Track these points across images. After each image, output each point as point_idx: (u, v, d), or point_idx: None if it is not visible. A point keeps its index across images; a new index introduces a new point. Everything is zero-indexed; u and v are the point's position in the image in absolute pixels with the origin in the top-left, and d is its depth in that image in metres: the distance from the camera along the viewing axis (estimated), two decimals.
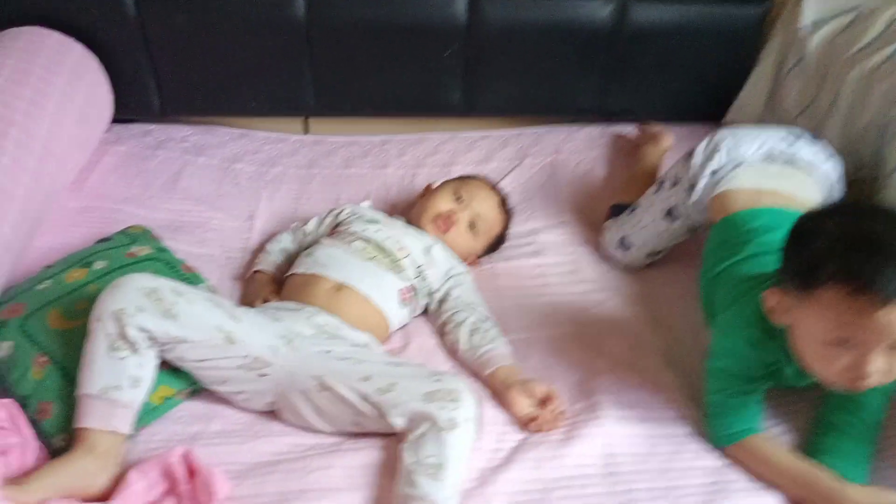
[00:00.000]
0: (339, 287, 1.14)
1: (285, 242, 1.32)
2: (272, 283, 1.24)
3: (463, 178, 1.40)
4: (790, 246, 0.90)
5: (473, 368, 1.13)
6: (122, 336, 0.92)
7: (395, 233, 1.26)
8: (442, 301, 1.22)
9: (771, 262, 1.00)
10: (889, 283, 0.77)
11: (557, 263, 1.37)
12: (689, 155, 1.24)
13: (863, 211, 0.89)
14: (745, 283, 1.03)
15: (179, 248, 1.27)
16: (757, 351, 0.97)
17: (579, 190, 1.56)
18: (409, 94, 1.64)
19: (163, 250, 1.20)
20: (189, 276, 1.16)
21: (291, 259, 1.30)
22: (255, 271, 1.27)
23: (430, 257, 1.24)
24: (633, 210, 1.35)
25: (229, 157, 1.59)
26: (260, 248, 1.34)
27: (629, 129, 1.70)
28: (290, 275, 1.20)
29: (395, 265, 1.20)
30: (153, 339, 0.94)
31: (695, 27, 1.57)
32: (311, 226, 1.34)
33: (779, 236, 1.06)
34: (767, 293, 0.92)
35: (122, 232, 1.22)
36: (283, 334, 1.03)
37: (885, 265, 0.78)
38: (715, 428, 1.01)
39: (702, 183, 1.19)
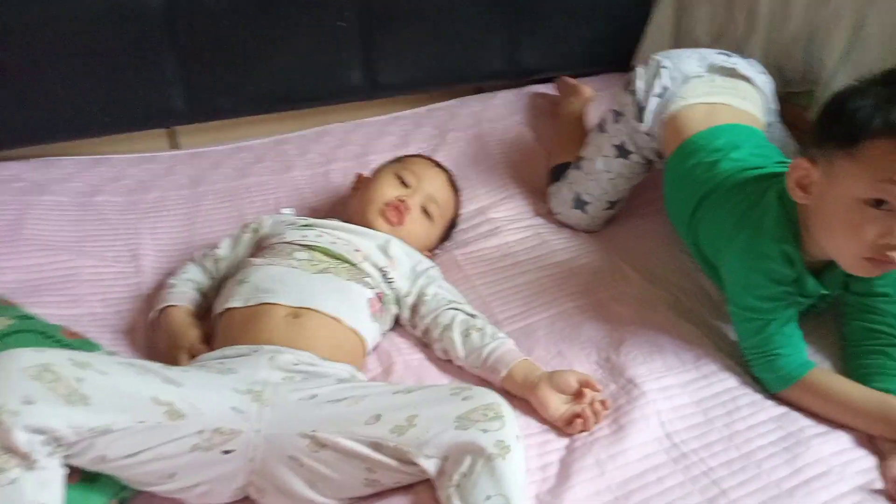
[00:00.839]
0: (297, 312, 0.87)
1: (193, 273, 1.02)
2: (194, 324, 0.93)
3: (400, 159, 1.17)
4: (828, 112, 0.82)
5: (482, 376, 0.91)
6: (6, 447, 0.60)
7: (341, 234, 1.01)
8: (416, 305, 0.99)
9: (752, 175, 0.95)
10: None
11: (520, 240, 1.19)
12: (628, 83, 1.15)
13: None
14: (738, 203, 0.93)
15: (46, 313, 0.93)
16: (779, 266, 0.86)
17: (513, 159, 1.39)
18: (300, 82, 1.38)
19: (27, 318, 0.85)
20: (76, 343, 0.83)
21: (208, 294, 1.00)
22: (167, 307, 0.95)
23: (389, 256, 1.01)
24: (578, 164, 1.21)
25: (85, 191, 1.24)
26: (159, 290, 1.02)
27: (544, 88, 1.57)
28: (225, 311, 0.90)
29: (354, 271, 0.96)
30: (56, 442, 0.63)
31: None
32: (223, 249, 1.05)
33: (745, 152, 1.00)
34: (794, 163, 0.84)
35: None
36: (245, 388, 0.74)
37: None
38: (765, 373, 0.89)
39: (651, 105, 1.10)
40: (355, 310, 0.91)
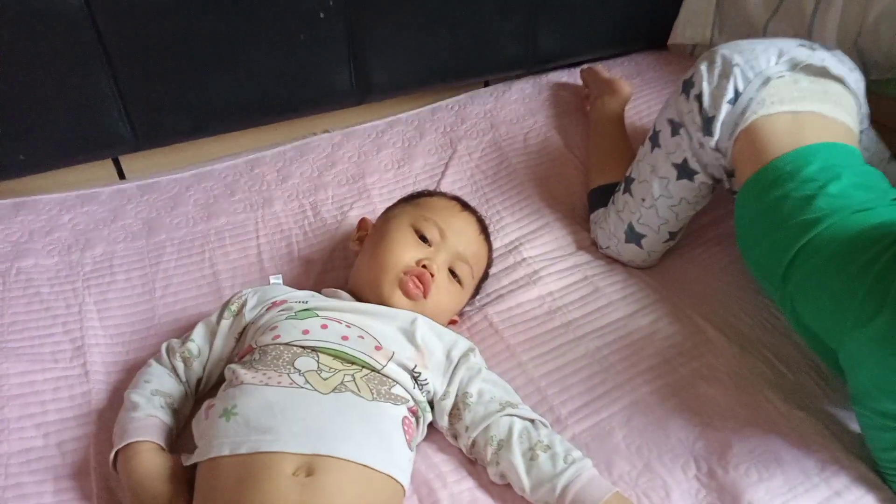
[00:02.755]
0: (311, 465, 0.63)
1: (159, 381, 0.76)
2: (167, 474, 0.68)
3: (416, 201, 0.92)
4: None
5: None
6: None
7: (352, 318, 0.77)
8: (455, 410, 0.76)
9: (867, 223, 0.73)
10: None
11: (566, 289, 0.96)
12: (688, 85, 0.90)
13: None
14: (862, 268, 0.70)
15: None
16: None
17: (542, 173, 1.14)
18: (273, 89, 1.09)
19: None
20: None
21: (180, 410, 0.76)
22: (129, 444, 0.69)
23: (416, 346, 0.77)
24: (628, 188, 0.98)
25: (5, 252, 0.96)
26: (112, 409, 0.77)
27: (564, 76, 1.31)
28: (208, 461, 0.65)
29: (378, 381, 0.72)
30: None
31: None
32: (196, 342, 0.79)
33: (846, 183, 0.77)
34: None
35: None
36: None
37: None
38: None
39: (722, 114, 0.86)
40: (388, 444, 0.68)
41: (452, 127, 1.21)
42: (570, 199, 1.10)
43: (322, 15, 1.03)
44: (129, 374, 0.80)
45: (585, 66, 1.28)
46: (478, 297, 0.94)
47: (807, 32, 1.18)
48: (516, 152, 1.17)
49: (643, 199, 0.96)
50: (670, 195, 0.94)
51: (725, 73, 0.87)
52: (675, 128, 0.92)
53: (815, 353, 0.83)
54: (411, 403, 0.73)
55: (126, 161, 1.12)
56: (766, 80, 0.86)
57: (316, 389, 0.68)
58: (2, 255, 0.95)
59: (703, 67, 0.89)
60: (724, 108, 0.86)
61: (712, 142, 0.87)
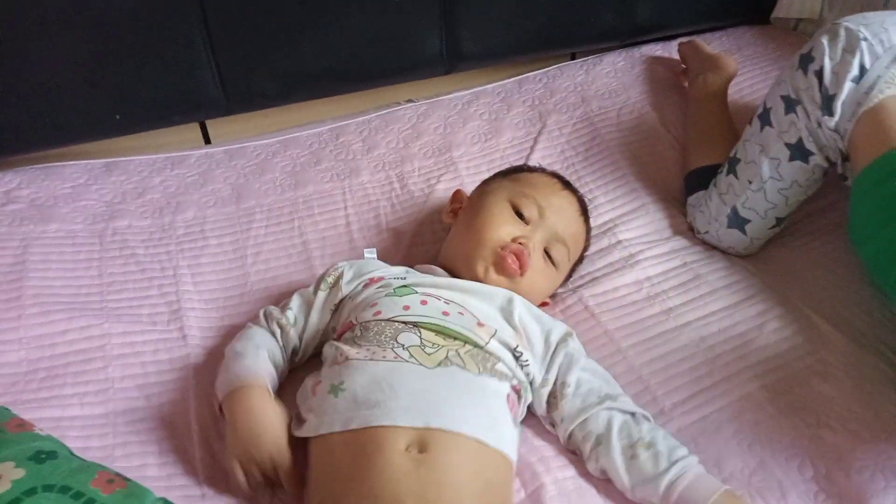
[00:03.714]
0: (423, 440, 0.62)
1: (262, 339, 0.75)
2: (284, 433, 0.67)
3: (515, 175, 0.89)
4: None
5: None
6: None
7: (451, 295, 0.75)
8: (552, 399, 0.73)
9: None
10: None
11: (665, 275, 0.92)
12: (806, 59, 0.83)
13: None
14: None
15: (66, 417, 0.70)
16: None
17: (636, 153, 1.09)
18: (362, 56, 1.07)
19: (44, 457, 0.60)
20: (117, 501, 0.59)
21: (281, 375, 0.75)
22: (243, 387, 0.68)
23: (514, 327, 0.74)
24: (732, 168, 0.92)
25: (100, 212, 0.96)
26: (210, 373, 0.76)
27: (658, 49, 1.25)
28: (321, 437, 0.64)
29: (482, 357, 0.70)
30: None
31: None
32: (294, 310, 0.78)
33: None
34: None
35: None
36: None
37: None
38: None
39: (844, 92, 0.79)
40: (496, 419, 0.66)
41: (541, 100, 1.17)
42: (666, 181, 1.05)
43: None
44: (225, 339, 0.80)
45: (684, 39, 1.21)
46: (571, 279, 0.91)
47: None
48: (609, 128, 1.12)
49: (750, 182, 0.90)
50: (781, 177, 0.88)
51: (850, 48, 0.80)
52: (791, 105, 0.85)
53: None
54: (515, 381, 0.71)
55: (212, 125, 1.12)
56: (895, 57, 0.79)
57: (421, 364, 0.66)
58: (97, 215, 0.96)
59: (825, 41, 0.82)
60: (847, 86, 0.79)
61: (832, 122, 0.81)
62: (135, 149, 1.07)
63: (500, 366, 0.70)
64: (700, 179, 1.00)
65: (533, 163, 1.05)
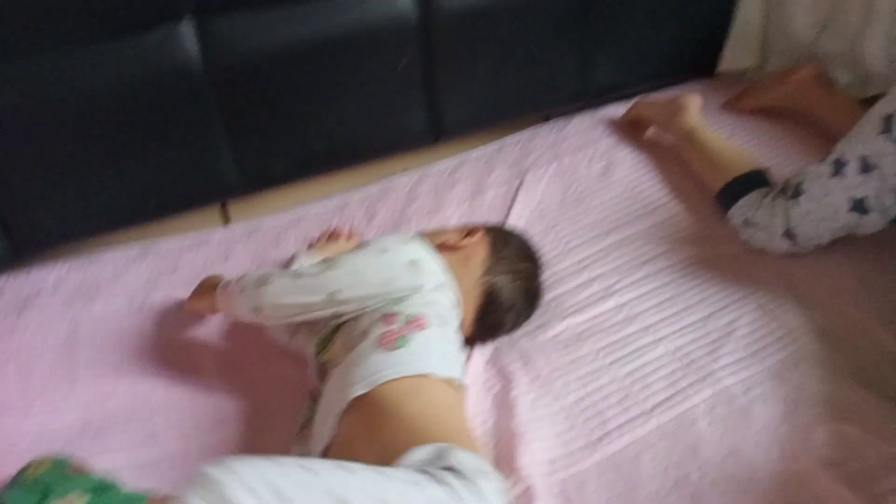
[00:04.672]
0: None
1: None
2: None
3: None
4: None
5: None
6: None
7: None
8: None
9: None
10: None
11: (643, 296, 1.02)
12: (888, 125, 0.88)
13: None
14: None
15: (118, 463, 0.80)
16: None
17: (608, 195, 1.22)
18: (359, 135, 1.22)
19: (104, 488, 0.71)
20: None
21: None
22: None
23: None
24: (796, 194, 0.99)
25: (139, 288, 1.09)
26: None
27: (620, 108, 1.41)
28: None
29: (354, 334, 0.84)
30: None
31: None
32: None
33: None
34: None
35: (16, 484, 0.71)
36: None
37: None
38: None
39: None
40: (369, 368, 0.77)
41: (518, 161, 1.31)
42: (631, 218, 1.17)
43: (401, 65, 1.16)
44: (254, 384, 0.91)
45: (636, 100, 1.37)
46: (561, 310, 1.01)
47: (851, 48, 1.24)
48: (580, 178, 1.26)
49: (807, 213, 0.98)
50: (836, 220, 0.96)
51: None
52: (867, 168, 0.91)
53: None
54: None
55: (234, 210, 1.27)
56: None
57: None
58: (136, 291, 1.08)
59: None
60: None
61: None
62: (163, 232, 1.21)
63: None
64: (742, 187, 1.08)
65: (514, 214, 1.19)
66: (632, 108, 1.36)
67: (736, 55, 1.42)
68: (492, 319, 0.93)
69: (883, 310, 0.94)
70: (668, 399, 0.87)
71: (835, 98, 1.24)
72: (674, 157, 1.27)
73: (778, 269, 1.04)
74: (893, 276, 1.00)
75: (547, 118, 1.43)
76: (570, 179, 1.26)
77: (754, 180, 1.09)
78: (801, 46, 1.33)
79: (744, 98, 1.36)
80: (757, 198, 1.06)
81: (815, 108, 1.26)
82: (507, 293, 0.93)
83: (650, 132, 1.34)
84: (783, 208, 1.01)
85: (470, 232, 0.95)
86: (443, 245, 0.92)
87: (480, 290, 0.91)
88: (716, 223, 1.13)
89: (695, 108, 1.24)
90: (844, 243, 1.02)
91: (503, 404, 0.88)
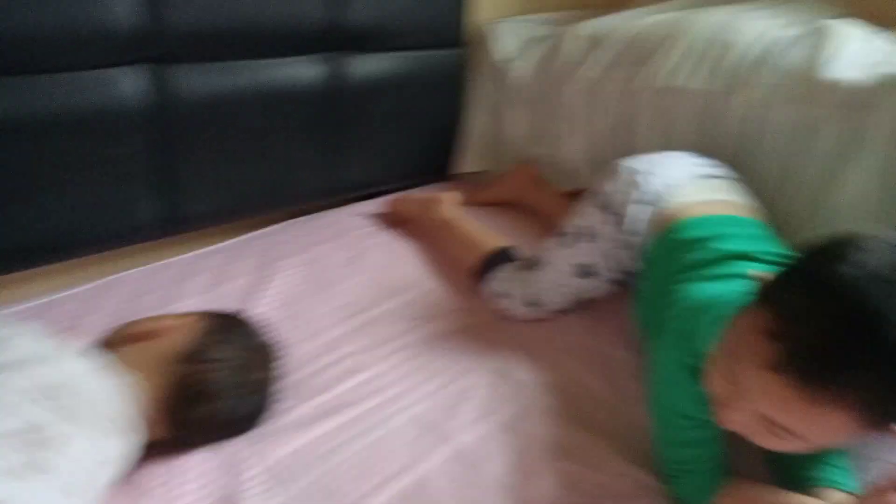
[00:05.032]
0: None
1: None
2: None
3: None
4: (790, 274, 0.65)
5: None
6: None
7: None
8: None
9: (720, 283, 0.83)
10: (816, 360, 0.57)
11: (391, 368, 1.01)
12: (599, 198, 1.04)
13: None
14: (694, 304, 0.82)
15: None
16: (697, 384, 0.75)
17: (359, 280, 1.23)
18: (73, 226, 1.11)
19: None
20: None
21: None
22: None
23: None
24: (536, 265, 1.10)
25: None
26: None
27: (370, 205, 1.47)
28: None
29: None
30: None
31: (408, 77, 1.43)
32: None
33: (732, 245, 0.88)
34: (756, 276, 0.67)
35: None
36: None
37: (830, 339, 0.57)
38: (683, 489, 0.79)
39: (632, 211, 0.99)
40: None
41: (265, 252, 1.28)
42: (385, 298, 1.19)
43: (125, 151, 1.09)
44: None
45: (393, 197, 1.45)
46: (303, 393, 0.96)
47: (556, 152, 1.45)
48: (329, 266, 1.26)
49: (538, 281, 1.09)
50: (567, 286, 1.08)
51: (632, 181, 1.01)
52: (587, 237, 1.04)
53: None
54: None
55: None
56: (670, 184, 0.99)
57: None
58: None
59: (611, 183, 1.04)
60: (634, 206, 0.99)
61: (624, 228, 1.00)
62: None
63: None
64: (493, 263, 1.17)
65: (262, 303, 1.13)
66: (390, 204, 1.43)
67: (469, 159, 1.59)
68: (198, 413, 0.81)
69: (594, 363, 1.03)
70: (407, 465, 0.84)
71: (548, 191, 1.44)
72: (424, 245, 1.33)
73: (515, 333, 1.10)
74: (606, 334, 1.11)
75: (298, 213, 1.43)
76: (318, 268, 1.25)
77: (504, 256, 1.19)
78: (520, 151, 1.53)
79: (478, 195, 1.51)
80: (506, 271, 1.16)
81: (534, 200, 1.45)
82: (215, 383, 0.82)
83: (403, 227, 1.40)
84: (526, 279, 1.11)
85: (180, 317, 0.88)
86: (131, 335, 0.83)
87: (171, 379, 0.80)
88: (464, 298, 1.19)
89: (452, 200, 1.36)
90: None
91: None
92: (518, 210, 1.48)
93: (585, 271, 1.06)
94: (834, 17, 1.18)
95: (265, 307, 1.13)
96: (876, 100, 0.97)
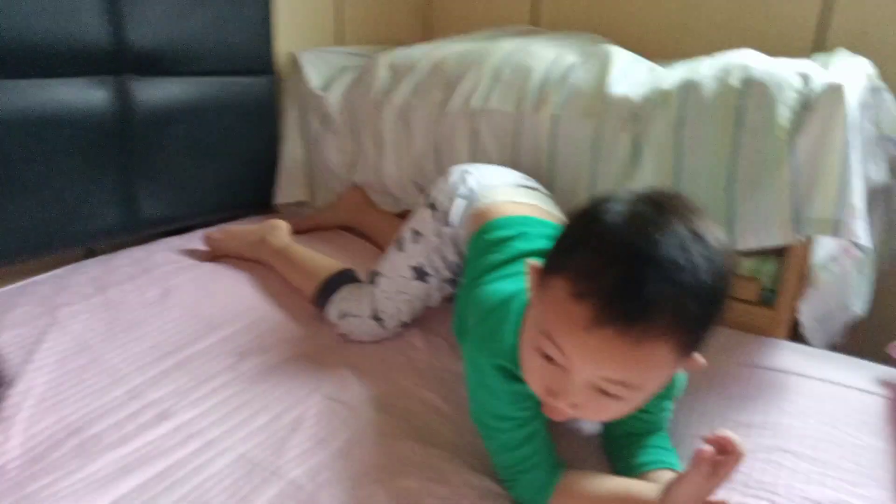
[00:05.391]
0: None
1: None
2: None
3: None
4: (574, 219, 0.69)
5: None
6: None
7: None
8: None
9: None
10: (625, 303, 0.59)
11: (206, 413, 0.90)
12: (429, 199, 1.07)
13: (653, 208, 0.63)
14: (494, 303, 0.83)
15: None
16: (509, 383, 0.76)
17: (167, 319, 1.10)
18: None
19: None
20: None
21: None
22: None
23: None
24: (375, 277, 1.09)
25: None
26: None
27: (178, 241, 1.34)
28: None
29: None
30: None
31: (214, 103, 1.35)
32: None
33: (529, 244, 0.91)
34: (530, 267, 0.71)
35: None
36: None
37: (629, 281, 0.59)
38: (523, 492, 0.78)
39: (456, 205, 1.03)
40: None
41: (49, 297, 1.11)
42: (198, 337, 1.07)
43: None
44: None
45: (210, 230, 1.34)
46: (99, 447, 0.82)
47: (376, 177, 1.45)
48: (131, 307, 1.12)
49: (384, 291, 1.08)
50: (406, 292, 1.08)
51: (461, 180, 1.06)
52: (416, 237, 1.06)
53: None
54: None
55: None
56: (492, 187, 1.05)
57: None
58: None
59: (446, 181, 1.07)
60: (459, 202, 1.04)
61: (451, 229, 1.03)
62: None
63: None
64: (334, 286, 1.13)
65: (41, 353, 0.97)
66: (206, 239, 1.32)
67: (288, 190, 1.53)
68: None
69: (433, 378, 1.01)
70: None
71: (376, 213, 1.43)
72: (242, 277, 1.24)
73: (350, 356, 1.05)
74: (445, 347, 1.09)
75: (90, 253, 1.27)
76: (118, 310, 1.11)
77: (345, 277, 1.15)
78: (341, 178, 1.50)
79: (307, 221, 1.46)
80: (347, 290, 1.12)
81: (366, 222, 1.44)
82: None
83: (222, 261, 1.29)
84: (368, 293, 1.08)
85: None
86: None
87: None
88: (298, 326, 1.12)
89: (284, 228, 1.29)
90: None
91: None
92: (352, 233, 1.46)
93: (419, 273, 1.06)
94: (605, 44, 1.32)
95: (52, 358, 0.97)
96: (652, 112, 1.09)
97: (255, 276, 1.25)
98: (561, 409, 0.68)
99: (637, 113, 1.10)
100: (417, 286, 1.06)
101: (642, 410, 0.81)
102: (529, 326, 0.69)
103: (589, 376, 0.64)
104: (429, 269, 1.06)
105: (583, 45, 1.35)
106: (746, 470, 0.81)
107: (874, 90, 1.13)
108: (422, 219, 1.06)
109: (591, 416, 0.69)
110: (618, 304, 0.59)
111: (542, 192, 1.11)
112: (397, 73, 1.42)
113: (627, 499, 0.73)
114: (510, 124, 1.24)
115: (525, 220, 0.97)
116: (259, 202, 1.51)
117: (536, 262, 0.70)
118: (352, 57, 1.58)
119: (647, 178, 1.08)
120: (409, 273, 1.06)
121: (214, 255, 1.30)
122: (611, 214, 0.63)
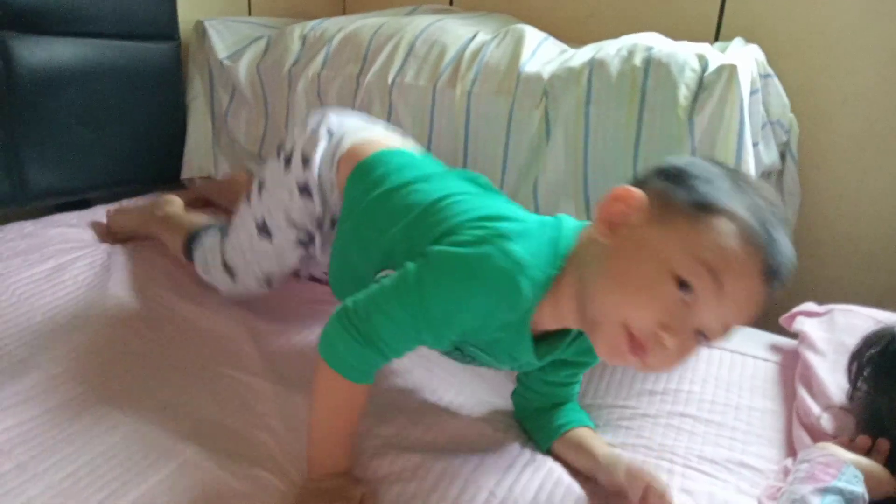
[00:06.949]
0: None
1: None
2: None
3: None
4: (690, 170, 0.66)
5: None
6: None
7: None
8: None
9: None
10: (780, 260, 0.62)
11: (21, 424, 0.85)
12: (286, 157, 0.94)
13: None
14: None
15: None
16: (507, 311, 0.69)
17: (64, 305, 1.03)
18: None
19: None
20: None
21: None
22: None
23: None
24: (226, 229, 1.05)
25: None
26: None
27: (74, 219, 1.25)
28: None
29: None
30: None
31: (111, 68, 1.26)
32: None
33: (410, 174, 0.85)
34: (623, 193, 0.65)
35: None
36: None
37: (780, 240, 0.62)
38: (353, 347, 0.68)
39: (319, 149, 0.92)
40: None
41: None
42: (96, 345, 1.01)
43: None
44: None
45: (112, 206, 1.27)
46: None
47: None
48: (15, 284, 1.03)
49: (233, 247, 1.03)
50: (255, 249, 1.01)
51: (320, 122, 0.97)
52: (261, 188, 0.98)
53: None
54: None
55: None
56: (353, 129, 0.96)
57: None
58: None
59: (303, 128, 0.97)
60: (322, 143, 0.95)
61: (315, 172, 0.94)
62: None
63: None
64: (199, 240, 1.09)
65: None
66: (110, 218, 1.24)
67: (194, 163, 1.45)
68: None
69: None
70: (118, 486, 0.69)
71: None
72: (130, 251, 1.17)
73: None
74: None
75: None
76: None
77: (208, 230, 1.11)
78: (250, 152, 1.44)
79: (204, 194, 1.40)
80: (212, 241, 1.07)
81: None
82: None
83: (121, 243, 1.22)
84: (220, 244, 1.04)
85: None
86: None
87: None
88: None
89: (177, 203, 1.23)
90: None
91: None
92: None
93: (262, 229, 0.97)
94: (517, 24, 1.32)
95: None
96: (563, 90, 1.10)
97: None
98: (647, 349, 0.62)
99: (548, 90, 1.11)
100: (263, 244, 0.97)
101: (558, 383, 0.84)
102: (665, 248, 0.62)
103: (715, 318, 0.62)
104: (272, 226, 0.97)
105: (497, 25, 1.35)
106: (649, 434, 0.84)
107: (764, 76, 1.20)
108: (270, 170, 0.97)
109: (668, 363, 0.64)
110: (777, 259, 0.61)
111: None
112: (311, 45, 1.37)
113: None
114: (425, 99, 1.23)
115: (412, 158, 0.91)
116: (166, 176, 1.42)
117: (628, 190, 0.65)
118: (262, 28, 1.52)
119: (558, 154, 1.10)
120: (252, 227, 0.98)
121: (115, 235, 1.22)
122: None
